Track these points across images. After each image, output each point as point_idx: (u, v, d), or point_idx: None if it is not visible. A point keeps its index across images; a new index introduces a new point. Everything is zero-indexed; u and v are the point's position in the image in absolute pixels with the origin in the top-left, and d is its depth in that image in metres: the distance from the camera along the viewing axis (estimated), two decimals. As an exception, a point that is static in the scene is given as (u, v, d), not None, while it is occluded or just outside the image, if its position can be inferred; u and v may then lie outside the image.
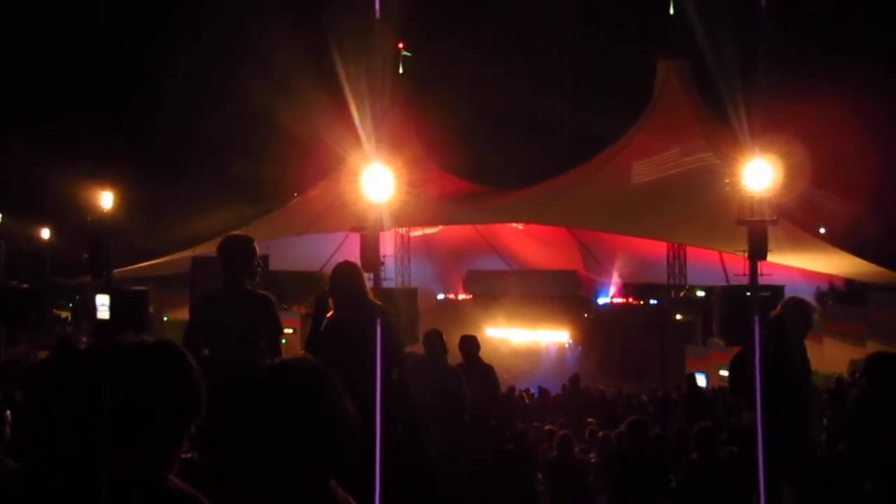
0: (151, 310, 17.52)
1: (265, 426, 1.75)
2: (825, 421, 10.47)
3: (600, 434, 9.81)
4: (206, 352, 4.71)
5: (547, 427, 10.94)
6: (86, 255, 19.06)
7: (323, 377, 1.83)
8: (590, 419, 12.43)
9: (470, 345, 8.53)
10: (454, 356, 8.26)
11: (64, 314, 30.94)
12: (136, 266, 33.35)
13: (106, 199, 20.54)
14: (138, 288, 16.82)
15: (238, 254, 4.95)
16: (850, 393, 11.31)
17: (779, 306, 6.04)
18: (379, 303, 5.38)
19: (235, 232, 5.19)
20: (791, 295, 6.35)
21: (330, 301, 5.38)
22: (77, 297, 30.69)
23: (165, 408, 1.75)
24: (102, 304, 15.01)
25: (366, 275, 5.61)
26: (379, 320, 4.99)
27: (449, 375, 7.27)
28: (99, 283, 17.49)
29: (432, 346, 7.54)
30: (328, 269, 5.79)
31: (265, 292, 4.99)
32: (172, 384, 1.77)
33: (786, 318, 5.85)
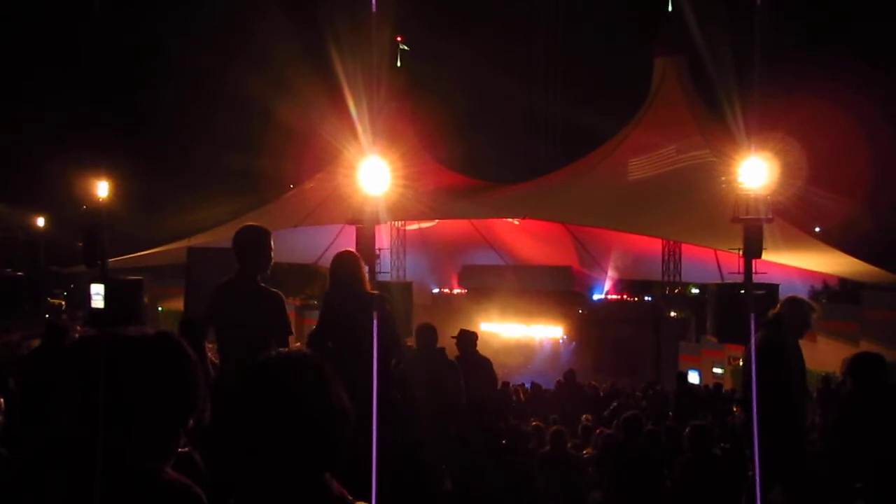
0: (146, 300, 17.51)
1: (261, 419, 1.75)
2: (817, 419, 10.49)
3: (598, 431, 9.83)
4: (210, 345, 4.70)
5: (535, 423, 10.95)
6: (80, 244, 19.00)
7: (319, 370, 1.84)
8: (585, 415, 12.44)
9: (466, 340, 8.55)
10: (450, 350, 8.28)
11: (58, 302, 30.90)
12: (131, 256, 33.27)
13: (101, 189, 20.43)
14: (133, 277, 16.80)
15: (257, 244, 4.89)
16: (840, 392, 11.36)
17: (778, 305, 6.06)
18: (375, 292, 5.39)
19: (234, 223, 5.15)
20: (790, 294, 6.36)
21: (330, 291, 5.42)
22: (72, 286, 30.67)
23: (163, 400, 1.75)
24: (97, 294, 15.01)
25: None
26: (375, 312, 5.00)
27: (446, 370, 7.29)
28: (94, 273, 17.45)
29: (426, 340, 7.55)
30: (324, 262, 5.80)
31: (277, 290, 4.94)
32: (171, 377, 1.77)
33: (782, 318, 5.86)
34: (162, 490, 1.71)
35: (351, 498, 1.81)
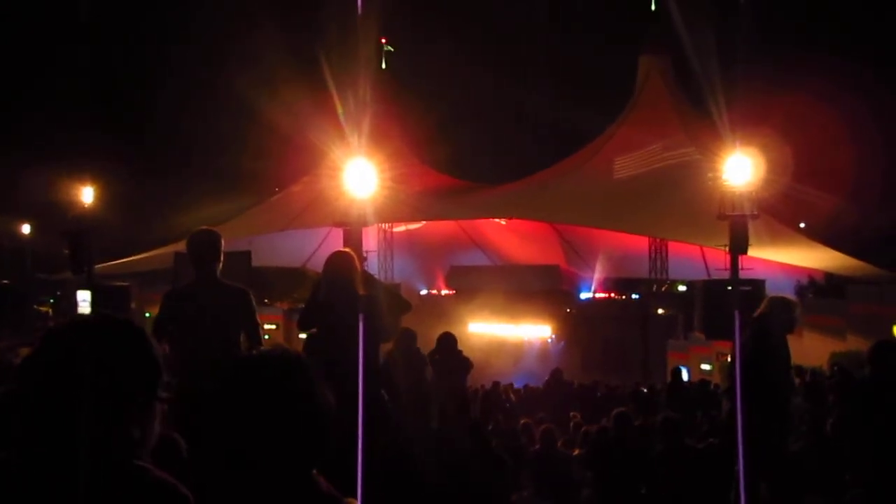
0: (134, 305, 17.45)
1: (245, 417, 1.76)
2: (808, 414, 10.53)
3: (583, 429, 9.85)
4: (166, 347, 4.73)
5: (523, 421, 10.96)
6: (67, 251, 18.92)
7: (301, 367, 1.84)
8: (573, 413, 12.46)
9: (446, 342, 8.58)
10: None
11: (45, 310, 30.73)
12: (117, 262, 33.12)
13: (87, 195, 20.34)
14: (120, 283, 16.75)
15: (212, 246, 5.01)
16: (826, 385, 11.40)
17: (761, 305, 6.08)
18: (363, 293, 5.40)
19: (220, 226, 5.22)
20: (771, 295, 6.41)
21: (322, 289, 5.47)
22: (58, 293, 30.46)
23: (134, 380, 1.71)
24: (84, 300, 14.98)
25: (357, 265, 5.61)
26: (361, 314, 5.02)
27: (423, 369, 7.34)
28: (80, 279, 17.39)
29: (406, 344, 7.59)
30: (311, 265, 5.82)
31: (242, 286, 5.06)
32: (138, 356, 1.74)
33: (767, 317, 5.89)
34: (148, 488, 1.70)
35: (339, 494, 1.82)
